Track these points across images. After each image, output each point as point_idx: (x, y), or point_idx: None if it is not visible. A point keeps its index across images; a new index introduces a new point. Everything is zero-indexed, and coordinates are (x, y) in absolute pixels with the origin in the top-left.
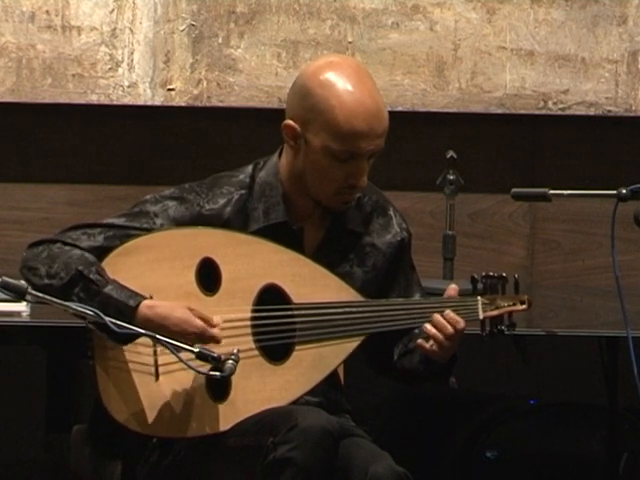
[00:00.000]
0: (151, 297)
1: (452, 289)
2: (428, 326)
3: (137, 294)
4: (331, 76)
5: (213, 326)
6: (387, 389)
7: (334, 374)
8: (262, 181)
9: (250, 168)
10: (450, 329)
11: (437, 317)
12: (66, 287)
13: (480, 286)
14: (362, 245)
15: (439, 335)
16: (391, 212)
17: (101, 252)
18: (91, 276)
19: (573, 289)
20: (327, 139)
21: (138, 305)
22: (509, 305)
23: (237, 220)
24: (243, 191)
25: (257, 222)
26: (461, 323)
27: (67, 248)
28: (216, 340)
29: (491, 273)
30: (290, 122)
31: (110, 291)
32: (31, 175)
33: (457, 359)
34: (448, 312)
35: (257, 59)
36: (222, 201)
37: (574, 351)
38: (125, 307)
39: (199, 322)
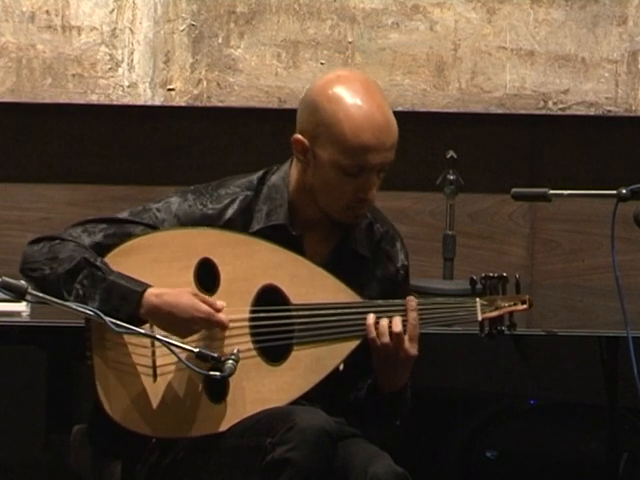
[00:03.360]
0: None
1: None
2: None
3: (142, 282)
4: (339, 90)
5: (218, 310)
6: None
7: (334, 374)
8: (271, 184)
9: (261, 172)
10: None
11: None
12: (70, 273)
13: (479, 287)
14: (364, 272)
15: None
16: (398, 246)
17: (101, 250)
18: (97, 263)
19: (573, 289)
20: (335, 153)
21: (144, 291)
22: (509, 305)
23: (240, 220)
24: (249, 192)
25: (259, 223)
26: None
27: (68, 242)
28: (223, 324)
29: (491, 274)
30: (299, 136)
31: (116, 278)
32: (31, 175)
33: (404, 397)
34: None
35: (257, 59)
36: (226, 201)
37: (574, 351)
38: (131, 293)
39: (205, 307)
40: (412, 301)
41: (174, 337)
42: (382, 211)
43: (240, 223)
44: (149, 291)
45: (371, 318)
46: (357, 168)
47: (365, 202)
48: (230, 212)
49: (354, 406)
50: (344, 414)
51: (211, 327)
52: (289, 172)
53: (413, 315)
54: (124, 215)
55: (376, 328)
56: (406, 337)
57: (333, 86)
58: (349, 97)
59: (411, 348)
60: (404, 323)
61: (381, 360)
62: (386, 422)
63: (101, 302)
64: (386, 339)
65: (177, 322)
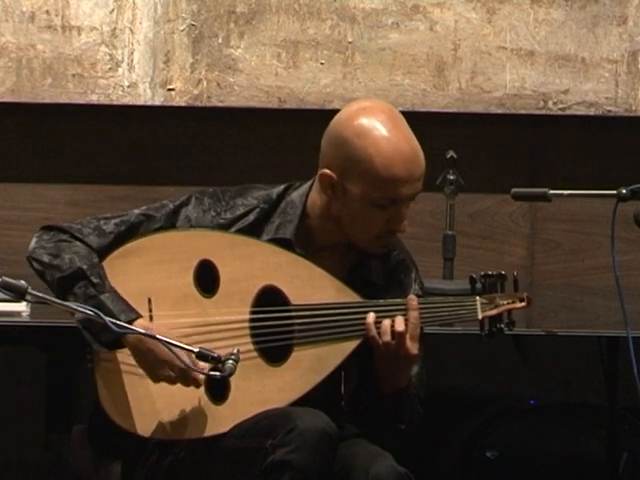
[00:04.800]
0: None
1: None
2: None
3: (131, 310)
4: (365, 122)
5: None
6: None
7: (334, 375)
8: (290, 199)
9: (282, 187)
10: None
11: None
12: (66, 281)
13: (479, 286)
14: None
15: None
16: (413, 276)
17: (109, 250)
18: (92, 278)
19: (573, 289)
20: (367, 188)
21: (131, 322)
22: (508, 303)
23: (251, 231)
24: (265, 205)
25: (268, 234)
26: (388, 335)
27: (75, 242)
28: (197, 384)
29: (490, 272)
30: (327, 171)
31: (106, 299)
32: (31, 175)
33: (406, 401)
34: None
35: (257, 59)
36: (240, 212)
37: (574, 351)
38: (116, 320)
39: (188, 359)
40: (413, 300)
41: (146, 374)
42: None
43: (250, 234)
44: (138, 322)
45: (371, 317)
46: (388, 200)
47: (395, 233)
48: (242, 222)
49: (360, 412)
50: (355, 422)
51: (184, 380)
52: (308, 192)
53: (414, 314)
54: (140, 211)
55: (377, 327)
56: (407, 336)
57: (359, 119)
58: (377, 130)
59: (412, 347)
60: (405, 322)
61: (381, 359)
62: (389, 425)
63: (86, 319)
64: (388, 338)
65: (154, 361)
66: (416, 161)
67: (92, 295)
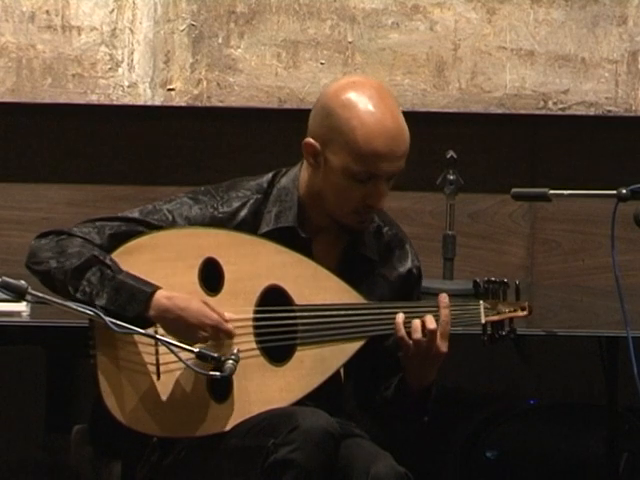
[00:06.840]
0: None
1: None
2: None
3: (151, 283)
4: (353, 96)
5: (226, 320)
6: None
7: (335, 375)
8: (281, 186)
9: (271, 175)
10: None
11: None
12: (79, 269)
13: (482, 290)
14: (374, 275)
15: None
16: (407, 247)
17: (110, 248)
18: (106, 261)
19: (573, 289)
20: (347, 159)
21: (154, 292)
22: (510, 311)
23: (250, 222)
24: (259, 195)
25: (268, 224)
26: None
27: (76, 238)
28: (231, 334)
29: (493, 278)
30: (310, 140)
31: (124, 277)
32: (31, 175)
33: (432, 395)
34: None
35: (257, 59)
36: (236, 204)
37: (574, 351)
38: (140, 293)
39: (215, 315)
40: (445, 298)
41: (180, 341)
42: (388, 214)
43: (249, 226)
44: (160, 292)
45: (400, 317)
46: (367, 175)
47: (372, 209)
48: (241, 216)
49: (381, 404)
50: (368, 413)
51: (218, 335)
52: (299, 175)
53: (446, 312)
54: (135, 214)
55: (407, 326)
56: (438, 334)
57: (347, 92)
58: (363, 104)
59: (442, 345)
60: (436, 320)
61: (411, 359)
62: (415, 419)
63: (108, 300)
64: (419, 335)
65: (185, 326)
66: (399, 138)
67: (110, 277)
